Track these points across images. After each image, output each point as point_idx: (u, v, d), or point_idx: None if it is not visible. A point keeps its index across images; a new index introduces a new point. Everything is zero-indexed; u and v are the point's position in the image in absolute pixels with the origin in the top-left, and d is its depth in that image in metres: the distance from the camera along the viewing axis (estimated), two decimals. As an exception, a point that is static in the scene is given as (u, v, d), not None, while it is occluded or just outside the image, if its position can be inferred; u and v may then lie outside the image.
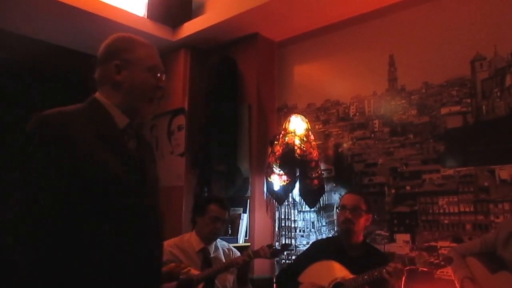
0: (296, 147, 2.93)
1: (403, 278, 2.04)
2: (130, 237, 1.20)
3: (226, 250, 2.68)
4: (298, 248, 3.21)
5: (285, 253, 3.02)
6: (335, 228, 3.05)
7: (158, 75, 1.33)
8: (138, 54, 1.31)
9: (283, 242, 3.22)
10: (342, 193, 2.72)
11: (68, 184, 1.12)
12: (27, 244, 1.07)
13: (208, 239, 2.57)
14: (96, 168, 1.16)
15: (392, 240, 2.82)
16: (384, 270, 2.00)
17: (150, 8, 3.67)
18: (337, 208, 2.48)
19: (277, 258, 3.18)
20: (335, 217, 3.07)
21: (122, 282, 1.18)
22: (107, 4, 3.37)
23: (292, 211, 3.23)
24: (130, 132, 1.31)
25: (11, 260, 1.06)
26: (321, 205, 3.06)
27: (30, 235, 1.08)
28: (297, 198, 3.13)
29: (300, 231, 3.29)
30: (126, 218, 1.21)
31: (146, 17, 3.65)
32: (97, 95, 1.31)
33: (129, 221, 1.21)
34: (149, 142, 1.51)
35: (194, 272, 2.37)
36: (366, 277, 2.05)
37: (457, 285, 2.11)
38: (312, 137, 3.03)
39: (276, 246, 3.20)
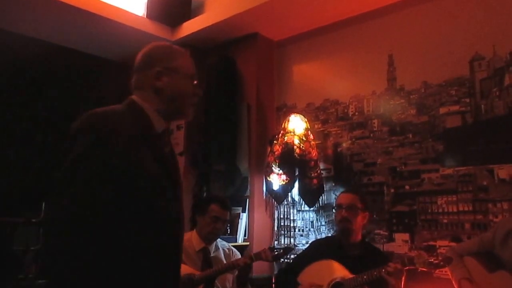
0: (295, 147, 2.94)
1: (403, 278, 2.04)
2: (162, 239, 1.25)
3: (227, 250, 2.68)
4: (297, 248, 3.21)
5: (286, 255, 3.02)
6: (334, 227, 3.05)
7: (195, 82, 1.42)
8: (179, 62, 1.39)
9: (282, 241, 3.22)
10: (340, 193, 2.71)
11: (115, 184, 1.16)
12: (75, 240, 1.09)
13: (209, 239, 2.57)
14: (139, 170, 1.21)
15: (391, 239, 2.82)
16: (384, 270, 2.00)
17: (150, 7, 3.67)
18: (333, 208, 2.47)
19: (278, 260, 3.18)
20: (334, 217, 3.07)
21: (153, 280, 1.22)
22: (106, 3, 3.37)
23: (291, 210, 3.23)
24: (165, 137, 1.38)
25: (57, 256, 1.09)
26: (320, 204, 3.06)
27: (80, 231, 1.10)
28: (296, 198, 3.13)
29: (299, 230, 3.30)
30: (161, 220, 1.25)
31: (145, 16, 3.65)
32: (135, 98, 1.35)
33: (163, 224, 1.26)
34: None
35: (195, 272, 2.38)
36: (365, 277, 2.06)
37: (454, 285, 2.11)
38: (311, 136, 3.04)
39: (276, 245, 3.21)
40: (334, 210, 2.45)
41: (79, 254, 1.09)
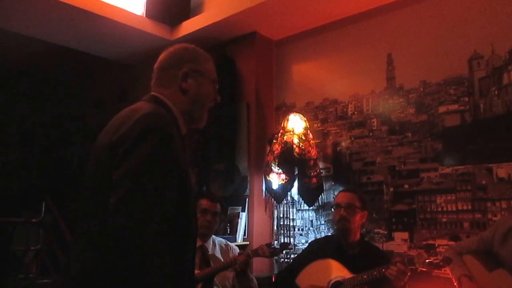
0: (294, 146, 2.94)
1: (406, 279, 2.04)
2: (188, 238, 1.27)
3: (224, 246, 2.69)
4: (297, 247, 3.22)
5: (284, 251, 3.03)
6: (334, 226, 3.06)
7: (216, 87, 1.45)
8: (205, 66, 1.41)
9: (282, 240, 3.23)
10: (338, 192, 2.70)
11: (178, 186, 1.19)
12: (152, 235, 1.07)
13: (202, 233, 2.57)
14: (186, 172, 1.28)
15: (390, 238, 2.83)
16: (388, 271, 2.00)
17: (149, 7, 3.67)
18: (331, 207, 2.48)
19: (276, 257, 3.19)
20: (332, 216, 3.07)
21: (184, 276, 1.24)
22: (105, 2, 3.36)
23: (290, 209, 3.24)
24: (186, 138, 1.42)
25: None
26: (320, 203, 3.07)
27: (157, 226, 1.08)
28: (296, 197, 3.14)
29: (298, 229, 3.30)
30: (190, 220, 1.28)
31: (144, 15, 3.65)
32: (161, 96, 1.34)
33: (193, 224, 1.30)
34: None
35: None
36: (365, 276, 2.06)
37: (454, 283, 2.12)
38: (310, 135, 3.04)
39: (275, 244, 3.21)
40: (332, 210, 2.45)
41: (151, 257, 1.06)
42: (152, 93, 1.36)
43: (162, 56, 1.41)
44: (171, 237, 1.14)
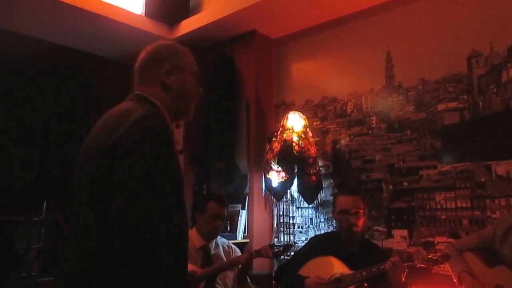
0: (294, 144, 2.95)
1: (404, 274, 2.05)
2: (184, 236, 1.29)
3: (226, 248, 2.70)
4: (296, 244, 3.23)
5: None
6: (334, 223, 3.07)
7: (198, 81, 1.46)
8: (185, 61, 1.43)
9: (282, 238, 3.24)
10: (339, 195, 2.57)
11: (176, 187, 1.23)
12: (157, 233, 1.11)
13: (209, 237, 2.59)
14: (181, 174, 1.30)
15: (389, 235, 2.84)
16: (384, 266, 2.01)
17: (148, 6, 3.67)
18: (335, 212, 2.40)
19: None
20: (333, 219, 3.06)
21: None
22: (104, 2, 3.37)
23: (290, 207, 3.25)
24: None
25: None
26: (319, 201, 3.08)
27: (160, 222, 1.12)
28: (295, 195, 3.15)
29: (298, 227, 3.31)
30: (184, 215, 1.30)
31: (143, 15, 3.65)
32: (146, 95, 1.35)
33: (184, 222, 1.30)
34: None
35: (196, 270, 2.39)
36: (364, 273, 2.07)
37: (454, 279, 2.13)
38: (310, 133, 3.05)
39: (275, 242, 3.23)
40: (337, 215, 2.38)
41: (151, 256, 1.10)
42: (137, 92, 1.37)
43: (142, 55, 1.42)
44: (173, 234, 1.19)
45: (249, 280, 2.55)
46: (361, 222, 2.31)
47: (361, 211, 2.32)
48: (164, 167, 1.17)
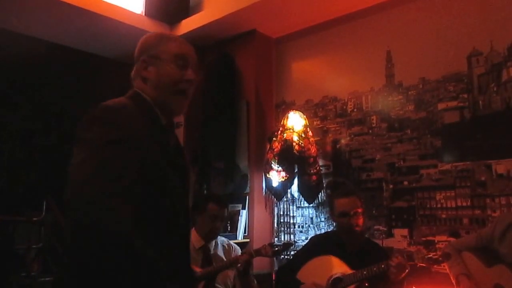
0: (294, 144, 2.95)
1: (405, 273, 2.05)
2: (171, 236, 1.21)
3: (226, 246, 2.70)
4: (297, 244, 3.22)
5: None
6: (334, 223, 3.06)
7: (185, 66, 1.32)
8: (163, 48, 1.33)
9: (282, 238, 3.24)
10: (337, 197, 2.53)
11: (131, 180, 1.11)
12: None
13: (208, 237, 2.59)
14: (151, 165, 1.18)
15: (390, 235, 2.84)
16: (387, 263, 2.01)
17: (148, 5, 3.67)
18: (335, 215, 2.39)
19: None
20: (333, 221, 3.05)
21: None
22: (104, 1, 3.37)
23: (290, 207, 3.25)
24: (170, 129, 1.34)
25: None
26: (320, 200, 3.07)
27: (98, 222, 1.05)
28: (296, 194, 3.14)
29: (299, 226, 3.31)
30: (169, 218, 1.22)
31: (143, 14, 3.65)
32: (138, 90, 1.33)
33: (169, 221, 1.22)
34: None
35: (196, 269, 2.39)
36: (365, 272, 2.07)
37: (452, 280, 2.13)
38: (310, 133, 3.05)
39: (276, 242, 3.22)
40: (336, 217, 2.38)
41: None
42: (133, 88, 1.36)
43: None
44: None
45: (252, 276, 2.54)
46: (361, 222, 2.31)
47: (360, 210, 2.32)
48: (102, 155, 1.09)
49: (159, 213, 1.19)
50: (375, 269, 2.05)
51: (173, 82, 1.30)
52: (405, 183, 2.83)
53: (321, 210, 3.21)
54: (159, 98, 1.30)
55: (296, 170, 3.00)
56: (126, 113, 1.20)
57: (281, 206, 3.24)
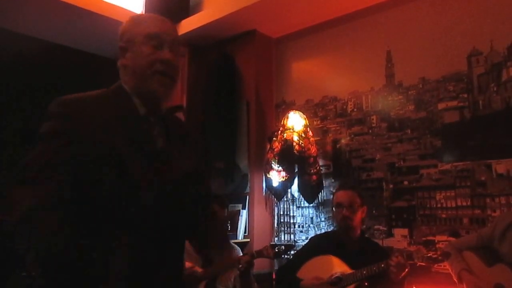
0: (294, 143, 2.95)
1: (405, 273, 2.05)
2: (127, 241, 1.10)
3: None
4: (297, 244, 3.23)
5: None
6: (334, 223, 3.07)
7: (160, 46, 1.21)
8: (136, 30, 1.23)
9: (282, 237, 3.24)
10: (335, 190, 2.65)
11: (73, 173, 1.08)
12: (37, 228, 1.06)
13: None
14: (101, 155, 1.10)
15: (390, 234, 2.84)
16: (385, 265, 2.02)
17: (148, 5, 3.67)
18: (332, 207, 2.48)
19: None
20: (332, 214, 3.08)
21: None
22: (104, 1, 3.37)
23: (291, 206, 3.25)
24: (152, 119, 1.22)
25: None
26: (320, 200, 3.08)
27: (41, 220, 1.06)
28: (296, 194, 3.15)
29: (299, 226, 3.32)
30: (129, 213, 1.11)
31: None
32: (120, 81, 1.28)
33: (132, 218, 1.11)
34: (191, 132, 1.37)
35: (198, 269, 2.39)
36: (365, 272, 2.08)
37: (454, 278, 2.13)
38: (310, 133, 3.05)
39: (276, 241, 3.22)
40: (333, 209, 2.45)
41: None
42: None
43: None
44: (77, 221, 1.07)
45: (253, 278, 2.54)
46: (355, 216, 2.32)
47: (356, 205, 2.34)
48: (51, 149, 1.09)
49: (100, 209, 1.10)
50: (375, 268, 2.05)
51: (148, 64, 1.19)
52: (405, 183, 2.83)
53: (321, 210, 3.21)
54: (137, 85, 1.21)
55: (296, 170, 3.00)
56: (79, 106, 1.14)
57: (281, 206, 3.24)
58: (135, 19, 1.28)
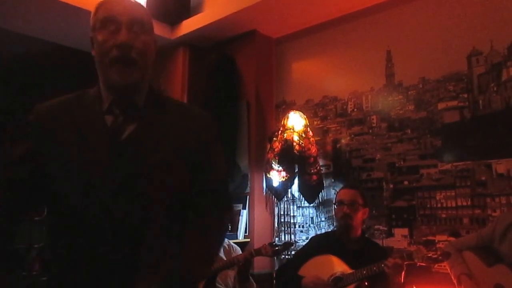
0: (294, 143, 2.95)
1: (403, 273, 2.06)
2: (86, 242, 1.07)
3: (226, 247, 2.70)
4: (297, 244, 3.23)
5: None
6: (334, 223, 3.07)
7: (117, 30, 1.09)
8: (94, 17, 1.14)
9: (283, 237, 3.24)
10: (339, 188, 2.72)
11: (25, 177, 1.12)
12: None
13: None
14: (55, 160, 1.09)
15: (390, 234, 2.84)
16: (383, 265, 2.02)
17: (148, 6, 3.66)
18: (334, 204, 2.49)
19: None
20: (333, 213, 3.08)
21: None
22: (104, 2, 3.37)
23: (291, 206, 3.25)
24: (116, 111, 1.13)
25: None
26: (320, 200, 3.08)
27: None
28: (296, 194, 3.15)
29: (299, 226, 3.32)
30: (84, 221, 1.07)
31: (144, 14, 3.65)
32: None
33: (80, 220, 1.07)
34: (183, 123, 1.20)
35: None
36: (365, 272, 2.08)
37: (453, 280, 2.13)
38: (310, 133, 3.05)
39: (276, 241, 3.23)
40: (335, 206, 2.46)
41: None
42: None
43: None
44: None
45: (251, 278, 2.55)
46: (356, 215, 2.32)
47: (358, 204, 2.34)
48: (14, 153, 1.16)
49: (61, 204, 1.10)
50: (375, 268, 2.06)
51: (104, 52, 1.09)
52: (405, 182, 2.83)
53: (321, 210, 3.21)
54: (102, 77, 1.14)
55: (296, 170, 3.01)
56: (43, 111, 1.17)
57: (282, 206, 3.24)
58: (96, 6, 1.15)
